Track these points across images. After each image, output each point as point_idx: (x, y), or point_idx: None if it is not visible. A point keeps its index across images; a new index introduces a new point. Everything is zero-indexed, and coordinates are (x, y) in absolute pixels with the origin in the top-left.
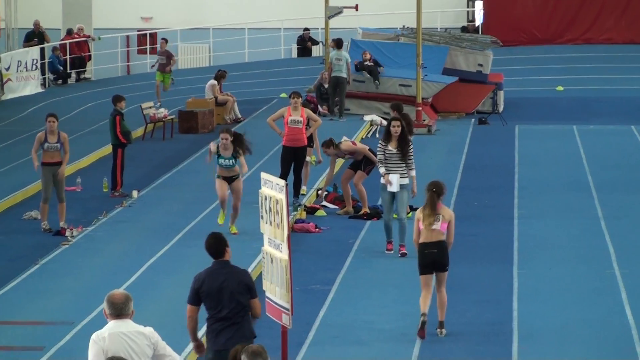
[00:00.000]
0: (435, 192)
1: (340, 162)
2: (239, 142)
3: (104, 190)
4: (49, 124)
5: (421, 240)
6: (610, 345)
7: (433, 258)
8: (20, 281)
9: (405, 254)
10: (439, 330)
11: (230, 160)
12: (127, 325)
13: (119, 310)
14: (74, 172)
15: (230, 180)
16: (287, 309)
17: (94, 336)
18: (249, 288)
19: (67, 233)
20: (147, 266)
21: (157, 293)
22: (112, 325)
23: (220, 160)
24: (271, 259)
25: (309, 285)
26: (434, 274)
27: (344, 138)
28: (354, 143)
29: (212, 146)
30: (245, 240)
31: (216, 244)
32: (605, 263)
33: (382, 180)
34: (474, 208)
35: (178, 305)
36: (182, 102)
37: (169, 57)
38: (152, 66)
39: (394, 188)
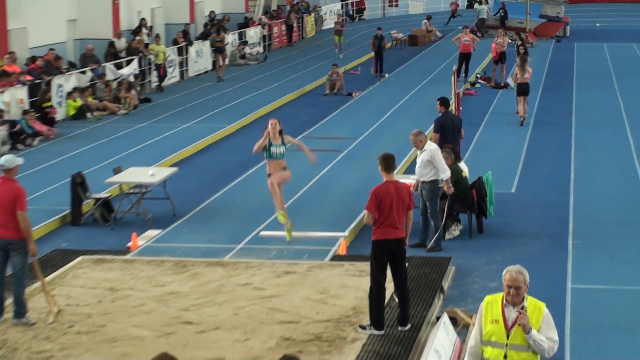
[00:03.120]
0: (522, 59)
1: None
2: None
3: (372, 73)
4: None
5: (518, 82)
6: None
7: (524, 89)
8: (342, 109)
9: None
10: (521, 118)
11: (282, 147)
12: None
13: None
14: (356, 65)
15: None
16: None
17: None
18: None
19: (354, 94)
20: (390, 113)
21: (395, 129)
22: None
23: (272, 148)
24: None
25: (470, 120)
26: (523, 97)
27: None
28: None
29: (263, 140)
30: None
31: (391, 160)
32: None
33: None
34: (552, 83)
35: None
36: (409, 30)
37: (342, 25)
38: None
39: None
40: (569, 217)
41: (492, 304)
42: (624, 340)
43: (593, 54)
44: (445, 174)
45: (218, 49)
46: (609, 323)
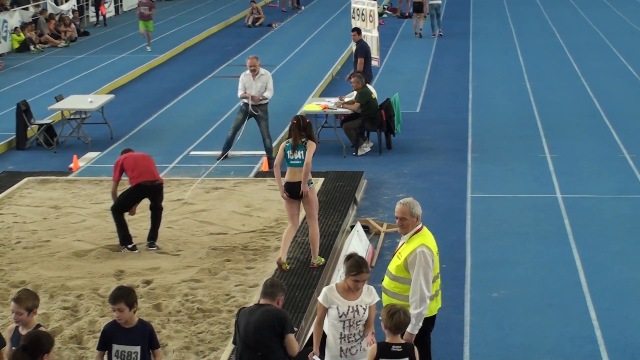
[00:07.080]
0: None
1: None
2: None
3: (290, 6)
4: None
5: (414, 0)
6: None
7: (418, 7)
8: (263, 39)
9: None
10: (420, 31)
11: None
12: None
13: None
14: None
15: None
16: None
17: None
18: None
19: (274, 25)
20: (306, 42)
21: (312, 56)
22: None
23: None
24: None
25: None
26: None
27: None
28: None
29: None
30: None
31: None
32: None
33: None
34: (451, 13)
35: None
36: None
37: (150, 7)
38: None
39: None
40: (468, 133)
41: None
42: (517, 242)
43: None
44: (271, 92)
45: None
46: (505, 227)
